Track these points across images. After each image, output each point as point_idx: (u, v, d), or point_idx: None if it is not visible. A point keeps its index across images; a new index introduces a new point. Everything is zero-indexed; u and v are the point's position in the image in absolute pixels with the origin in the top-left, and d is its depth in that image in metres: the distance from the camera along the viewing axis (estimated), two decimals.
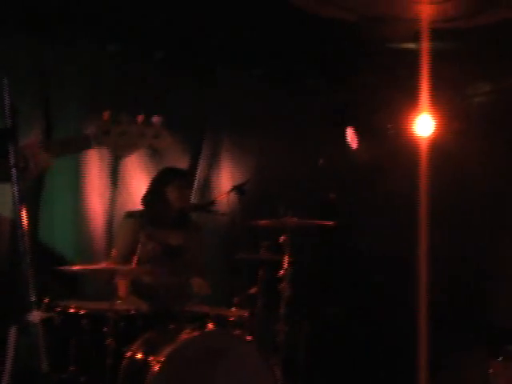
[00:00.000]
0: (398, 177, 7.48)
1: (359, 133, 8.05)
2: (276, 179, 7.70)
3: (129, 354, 5.06)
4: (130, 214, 6.15)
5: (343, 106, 8.20)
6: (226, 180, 7.53)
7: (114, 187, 6.94)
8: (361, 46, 6.88)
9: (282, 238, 6.08)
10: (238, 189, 6.36)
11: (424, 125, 7.59)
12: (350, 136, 8.04)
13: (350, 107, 8.18)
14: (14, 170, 2.81)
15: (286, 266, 5.99)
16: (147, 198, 6.11)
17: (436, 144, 7.43)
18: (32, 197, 6.34)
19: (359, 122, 8.08)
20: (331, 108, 8.15)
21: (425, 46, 6.69)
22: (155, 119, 3.26)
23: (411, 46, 6.77)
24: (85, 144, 3.25)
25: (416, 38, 6.58)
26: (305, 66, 7.66)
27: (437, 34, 6.57)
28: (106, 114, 3.22)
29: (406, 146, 7.63)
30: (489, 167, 7.22)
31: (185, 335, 5.02)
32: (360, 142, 8.03)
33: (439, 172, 7.24)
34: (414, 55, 6.79)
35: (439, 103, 7.56)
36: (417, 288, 6.92)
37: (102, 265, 5.22)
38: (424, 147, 7.39)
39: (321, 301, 7.60)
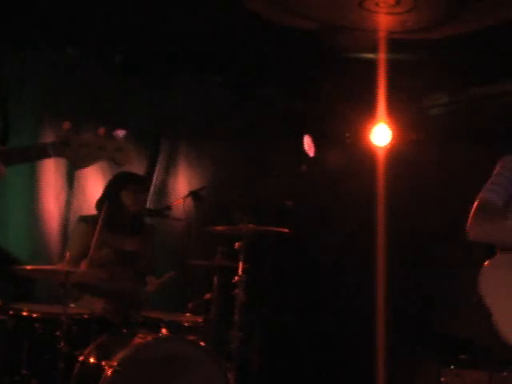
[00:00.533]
0: (356, 185, 7.53)
1: (316, 141, 8.08)
2: (233, 186, 7.70)
3: (81, 358, 5.01)
4: (84, 218, 6.10)
5: (301, 114, 8.22)
6: (182, 185, 7.50)
7: (69, 190, 6.88)
8: (320, 55, 6.92)
9: (237, 245, 6.07)
10: (194, 194, 6.36)
11: (381, 134, 7.67)
12: (308, 144, 8.06)
13: (307, 115, 8.20)
14: None
15: (240, 272, 5.98)
16: (102, 202, 6.05)
17: (393, 153, 7.50)
18: None
19: (316, 130, 8.11)
20: (289, 116, 8.16)
21: (383, 56, 6.75)
22: (118, 132, 3.23)
23: (370, 56, 6.81)
24: (43, 154, 3.20)
25: (375, 48, 6.64)
26: (263, 74, 7.67)
27: (395, 44, 6.63)
28: (67, 124, 3.19)
29: (364, 155, 7.69)
30: (444, 177, 7.30)
31: (138, 340, 5.00)
32: (317, 150, 8.06)
33: (396, 181, 7.31)
34: (373, 65, 6.84)
35: (396, 113, 7.63)
36: (372, 296, 6.98)
37: (55, 267, 5.17)
38: (381, 156, 7.46)
39: (275, 308, 7.61)
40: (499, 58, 6.61)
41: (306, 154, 8.06)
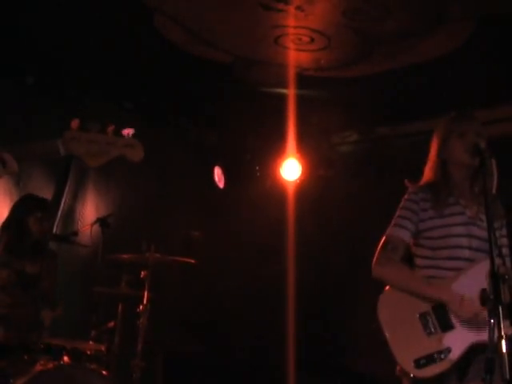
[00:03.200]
0: (265, 217, 7.58)
1: (227, 173, 8.11)
2: (140, 214, 7.65)
3: None
4: None
5: (212, 146, 8.25)
6: (90, 211, 7.43)
7: None
8: (234, 88, 6.97)
9: (142, 274, 6.04)
10: (101, 221, 6.30)
11: (291, 169, 7.75)
12: (218, 176, 8.09)
13: (218, 147, 8.24)
14: None
15: (145, 301, 5.94)
16: (6, 225, 5.94)
17: (302, 188, 7.59)
18: None
19: (227, 162, 8.15)
20: (200, 146, 8.18)
21: (295, 92, 6.85)
22: (126, 131, 3.23)
23: (283, 91, 6.90)
24: (53, 151, 3.20)
25: (288, 84, 6.73)
26: (176, 104, 7.68)
27: (308, 81, 6.74)
28: (75, 122, 3.20)
29: (273, 188, 7.76)
30: (351, 212, 7.41)
31: (39, 367, 4.90)
32: (227, 181, 8.10)
33: (305, 214, 7.40)
34: (285, 101, 6.93)
35: (307, 149, 7.74)
36: (282, 327, 7.03)
37: None
38: (290, 190, 7.54)
39: (179, 338, 7.57)
40: (407, 98, 6.79)
41: (216, 185, 8.08)
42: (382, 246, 3.96)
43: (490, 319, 3.06)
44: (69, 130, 3.22)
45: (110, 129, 3.26)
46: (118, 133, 3.26)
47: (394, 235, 3.95)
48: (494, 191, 3.60)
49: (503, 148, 3.78)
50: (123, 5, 5.63)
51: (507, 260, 3.76)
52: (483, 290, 3.19)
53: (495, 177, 3.50)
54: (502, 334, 3.02)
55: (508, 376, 2.96)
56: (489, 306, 3.11)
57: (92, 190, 7.56)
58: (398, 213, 4.00)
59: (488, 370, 3.03)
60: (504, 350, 3.00)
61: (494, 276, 3.15)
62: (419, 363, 3.60)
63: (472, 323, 3.60)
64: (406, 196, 4.01)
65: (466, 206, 3.86)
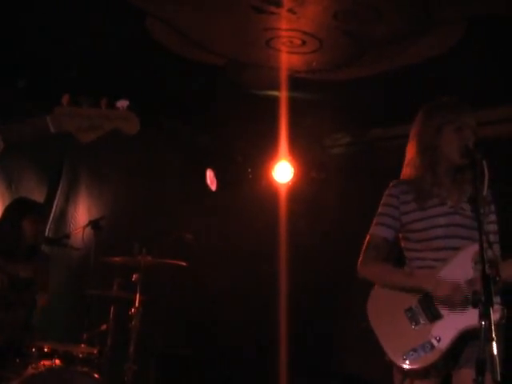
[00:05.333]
0: (257, 219, 7.58)
1: (219, 175, 8.11)
2: (133, 216, 7.64)
3: None
4: None
5: (204, 148, 8.25)
6: (82, 214, 7.41)
7: None
8: (226, 90, 6.97)
9: (134, 276, 6.03)
10: (94, 224, 6.29)
11: (283, 172, 7.76)
12: (210, 178, 8.08)
13: (211, 150, 8.23)
14: None
15: (137, 304, 5.93)
16: (1, 229, 5.94)
17: (294, 190, 7.60)
18: None
19: (219, 164, 8.14)
20: (193, 149, 8.18)
21: (287, 94, 6.86)
22: (121, 103, 3.13)
23: (275, 94, 6.90)
24: (43, 128, 3.08)
25: (280, 86, 6.74)
26: (169, 106, 7.67)
27: (300, 84, 6.75)
28: (66, 97, 3.08)
29: (266, 191, 7.76)
30: (343, 214, 7.42)
31: (31, 370, 4.90)
32: (219, 184, 8.09)
33: (297, 216, 7.41)
34: (277, 103, 6.94)
35: (299, 152, 7.74)
36: (272, 330, 7.02)
37: None
38: (283, 193, 7.55)
39: (172, 341, 7.56)
40: (399, 101, 6.80)
41: (209, 188, 8.08)
42: (365, 246, 3.99)
43: (482, 321, 3.07)
44: (59, 106, 3.11)
45: (103, 102, 3.13)
46: (111, 105, 3.14)
47: (375, 234, 3.97)
48: (484, 193, 3.60)
49: (494, 149, 3.76)
50: (116, 7, 5.63)
51: (495, 246, 3.78)
52: (475, 292, 3.20)
53: (486, 179, 3.50)
54: (493, 336, 3.02)
55: (498, 377, 2.96)
56: (480, 308, 3.12)
57: (84, 193, 7.55)
58: (378, 210, 4.01)
59: (479, 371, 3.03)
60: (495, 352, 3.00)
61: (485, 278, 3.15)
62: (409, 356, 3.63)
63: (457, 308, 3.61)
64: (386, 191, 4.01)
65: (448, 196, 3.85)
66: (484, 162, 3.47)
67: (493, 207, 3.91)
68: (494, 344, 3.00)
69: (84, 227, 6.30)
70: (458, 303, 3.60)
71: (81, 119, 3.09)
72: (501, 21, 5.46)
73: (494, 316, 3.08)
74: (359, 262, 3.97)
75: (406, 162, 4.02)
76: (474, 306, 3.16)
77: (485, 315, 3.07)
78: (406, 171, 4.00)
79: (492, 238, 3.80)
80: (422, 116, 4.00)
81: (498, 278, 3.24)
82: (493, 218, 3.91)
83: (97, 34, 6.04)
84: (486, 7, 5.33)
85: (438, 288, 3.63)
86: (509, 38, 5.68)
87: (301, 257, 7.43)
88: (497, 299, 3.56)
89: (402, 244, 3.99)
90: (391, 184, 4.00)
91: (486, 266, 3.18)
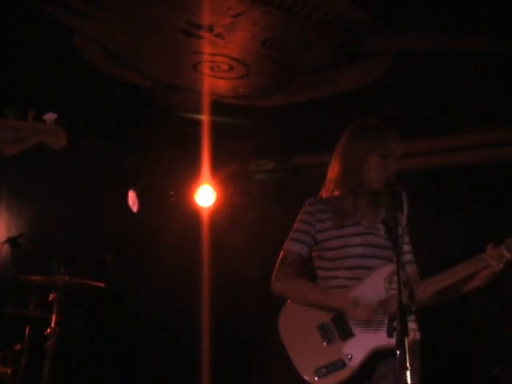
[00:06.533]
0: (178, 242, 7.55)
1: (141, 197, 8.06)
2: (52, 235, 7.54)
3: None
4: None
5: (127, 169, 8.20)
6: (1, 231, 7.28)
7: None
8: (152, 111, 6.96)
9: (51, 296, 5.96)
10: (12, 241, 6.19)
11: (205, 195, 7.76)
12: (132, 199, 8.03)
13: (134, 170, 8.19)
14: None
15: (53, 324, 5.85)
16: None
17: (216, 214, 7.60)
18: None
19: (142, 186, 8.10)
20: (115, 169, 8.12)
21: (210, 118, 6.88)
22: (48, 116, 3.06)
23: (200, 117, 6.91)
24: None
25: (205, 110, 6.75)
26: (93, 126, 7.60)
27: (226, 108, 6.78)
28: None
29: (188, 213, 7.75)
30: (264, 239, 7.45)
31: None
32: (141, 205, 8.04)
33: (219, 239, 7.41)
34: (202, 127, 6.95)
35: (222, 176, 7.76)
36: (196, 351, 6.98)
37: None
38: (205, 216, 7.55)
39: (87, 362, 7.46)
40: (324, 129, 6.88)
41: (130, 209, 8.02)
42: (279, 262, 3.98)
43: (397, 350, 3.12)
44: None
45: (30, 114, 3.05)
46: (38, 118, 3.06)
47: (289, 249, 3.97)
48: (404, 223, 3.66)
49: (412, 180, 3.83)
50: (45, 23, 5.58)
51: (411, 266, 3.87)
52: (391, 320, 3.25)
53: (406, 210, 3.55)
54: (407, 365, 3.08)
55: None
56: (395, 337, 3.17)
57: (4, 210, 7.41)
58: (294, 226, 4.02)
59: None
60: (409, 381, 3.05)
61: (401, 308, 3.21)
62: (320, 373, 3.64)
63: (370, 328, 3.65)
64: (302, 208, 4.02)
65: (363, 216, 3.89)
66: (404, 194, 3.54)
67: (406, 229, 3.97)
68: (408, 373, 3.06)
69: (1, 244, 6.20)
70: (372, 324, 3.65)
71: (5, 131, 3.01)
72: (426, 55, 5.61)
73: (408, 338, 3.14)
74: (273, 278, 3.96)
75: (327, 178, 4.04)
76: (390, 335, 3.21)
77: (400, 344, 3.12)
78: (327, 188, 4.02)
79: (408, 257, 3.90)
80: (348, 136, 4.01)
81: (413, 308, 3.30)
82: (407, 239, 3.98)
83: (24, 48, 5.97)
84: (413, 43, 5.47)
85: (355, 309, 3.67)
86: (434, 71, 5.84)
87: (223, 279, 7.42)
88: (411, 317, 3.62)
89: (315, 263, 3.98)
90: (308, 202, 4.01)
91: (402, 296, 3.24)
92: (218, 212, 7.79)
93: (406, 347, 3.10)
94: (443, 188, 7.09)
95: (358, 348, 3.65)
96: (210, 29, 5.48)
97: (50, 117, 3.08)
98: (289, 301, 3.92)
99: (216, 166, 7.60)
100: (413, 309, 3.43)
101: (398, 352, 3.11)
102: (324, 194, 4.04)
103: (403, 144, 3.93)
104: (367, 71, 5.93)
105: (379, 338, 3.56)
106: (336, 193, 3.95)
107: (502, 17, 5.07)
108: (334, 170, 4.01)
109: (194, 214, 7.79)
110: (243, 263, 7.55)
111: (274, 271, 3.97)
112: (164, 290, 7.68)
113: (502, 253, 3.70)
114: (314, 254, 3.99)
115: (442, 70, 5.84)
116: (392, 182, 3.65)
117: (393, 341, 3.19)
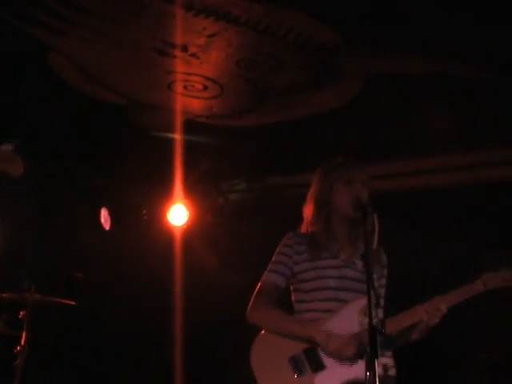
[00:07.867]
0: (151, 261, 7.53)
1: (113, 214, 8.04)
2: (22, 253, 7.49)
3: None
4: None
5: (100, 187, 8.17)
6: None
7: None
8: (125, 130, 6.95)
9: (22, 313, 5.92)
10: None
11: (178, 214, 7.76)
12: (104, 217, 8.00)
13: (107, 188, 8.16)
14: None
15: (23, 342, 5.81)
16: None
17: (189, 234, 7.60)
18: None
19: (115, 203, 8.08)
20: (88, 187, 8.09)
21: (183, 138, 6.89)
22: (5, 146, 3.10)
23: (173, 136, 6.91)
24: None
25: (179, 129, 6.76)
26: (66, 143, 7.57)
27: (199, 128, 6.79)
28: None
29: (160, 232, 7.74)
30: (236, 259, 7.46)
31: None
32: (113, 223, 8.02)
33: (191, 259, 7.40)
34: (175, 146, 6.95)
35: (195, 195, 7.77)
36: (169, 368, 6.96)
37: None
38: (177, 235, 7.54)
39: (59, 380, 7.41)
40: (297, 150, 6.93)
41: (102, 227, 7.99)
42: (256, 292, 4.03)
43: (367, 372, 3.13)
44: None
45: None
46: None
47: (266, 280, 4.03)
48: (374, 246, 3.69)
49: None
50: (16, 41, 5.56)
51: (381, 311, 3.84)
52: (361, 344, 3.27)
53: (376, 232, 3.58)
54: None
55: None
56: (366, 358, 3.18)
57: None
58: (273, 258, 4.09)
59: None
60: None
61: (372, 329, 3.21)
62: None
63: (342, 361, 3.65)
64: (282, 241, 4.09)
65: (341, 249, 3.95)
66: (375, 216, 3.57)
67: (385, 271, 4.02)
68: None
69: None
70: (344, 356, 3.65)
71: None
72: (400, 78, 5.66)
73: (378, 368, 3.14)
74: (249, 308, 4.00)
75: (304, 218, 4.14)
76: (361, 357, 3.22)
77: (370, 367, 3.13)
78: (303, 228, 4.11)
79: (381, 302, 3.88)
80: (316, 178, 4.16)
81: (383, 331, 3.31)
82: (383, 282, 4.01)
83: None
84: (385, 67, 5.52)
85: (327, 340, 3.68)
86: (406, 94, 5.89)
87: (195, 298, 7.41)
88: (388, 353, 3.64)
89: (293, 297, 4.05)
90: (287, 235, 4.10)
91: (373, 319, 3.25)
92: (190, 231, 7.79)
93: (376, 370, 3.11)
94: (419, 210, 7.13)
95: (329, 380, 3.66)
96: (185, 48, 5.50)
97: (7, 146, 3.17)
98: (262, 331, 3.94)
99: (189, 185, 7.61)
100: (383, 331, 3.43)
101: (368, 374, 3.12)
102: (302, 230, 4.11)
103: (377, 166, 4.00)
104: (340, 93, 5.97)
105: (351, 371, 3.58)
106: (311, 229, 4.03)
107: (472, 40, 5.14)
108: (307, 212, 4.12)
109: (166, 232, 7.79)
110: (216, 282, 7.55)
111: (251, 301, 4.00)
112: (136, 308, 7.66)
113: (439, 307, 3.73)
114: (291, 288, 4.05)
115: (415, 93, 5.90)
116: (362, 204, 3.68)
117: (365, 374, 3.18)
